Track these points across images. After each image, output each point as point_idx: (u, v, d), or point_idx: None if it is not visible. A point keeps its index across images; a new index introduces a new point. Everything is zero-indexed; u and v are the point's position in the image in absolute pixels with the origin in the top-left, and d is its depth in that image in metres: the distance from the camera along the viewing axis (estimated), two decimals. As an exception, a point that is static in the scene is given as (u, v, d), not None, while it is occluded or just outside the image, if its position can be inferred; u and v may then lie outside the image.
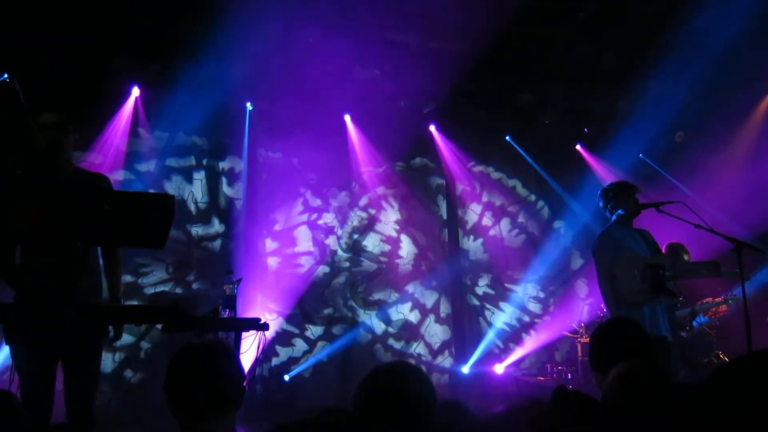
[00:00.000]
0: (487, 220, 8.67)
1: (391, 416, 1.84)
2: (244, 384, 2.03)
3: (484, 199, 8.71)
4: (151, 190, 6.59)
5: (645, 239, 4.71)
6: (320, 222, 7.75)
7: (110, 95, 6.46)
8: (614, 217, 4.76)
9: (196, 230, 7.09)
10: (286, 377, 7.06)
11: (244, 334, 3.32)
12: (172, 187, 6.99)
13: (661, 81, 7.81)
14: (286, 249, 7.50)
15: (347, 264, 7.80)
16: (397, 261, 8.04)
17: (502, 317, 8.44)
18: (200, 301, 3.00)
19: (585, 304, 8.72)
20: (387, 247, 8.02)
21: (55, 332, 2.58)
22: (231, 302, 3.40)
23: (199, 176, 7.25)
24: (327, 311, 7.57)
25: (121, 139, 6.76)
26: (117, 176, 6.63)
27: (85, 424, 3.08)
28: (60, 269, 2.68)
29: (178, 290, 6.69)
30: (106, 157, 6.57)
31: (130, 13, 5.80)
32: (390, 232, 8.07)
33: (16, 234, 2.68)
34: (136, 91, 6.65)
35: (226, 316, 3.32)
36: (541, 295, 8.70)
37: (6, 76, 2.56)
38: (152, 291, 6.62)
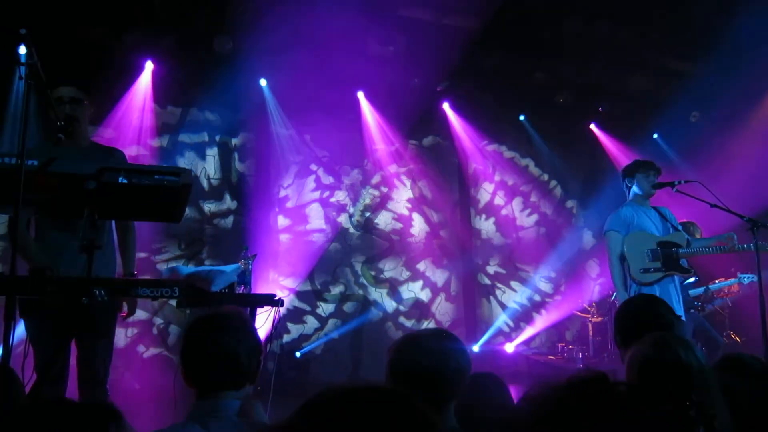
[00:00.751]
0: (499, 200, 8.61)
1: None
2: (261, 357, 1.99)
3: (497, 178, 8.64)
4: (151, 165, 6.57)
5: (662, 216, 4.67)
6: (332, 199, 7.72)
7: (124, 70, 6.41)
8: (630, 195, 4.73)
9: (209, 206, 7.08)
10: (298, 354, 7.08)
11: (259, 310, 3.31)
12: (185, 162, 6.96)
13: (678, 60, 7.70)
14: (298, 226, 7.49)
15: (359, 242, 7.78)
16: (409, 239, 8.01)
17: (513, 296, 8.42)
18: (215, 277, 2.98)
19: (596, 284, 8.68)
20: (399, 225, 7.99)
21: (70, 306, 2.56)
22: (246, 278, 3.38)
23: (212, 152, 7.22)
24: (338, 289, 7.57)
25: (134, 114, 6.72)
26: (130, 151, 6.59)
27: (98, 398, 3.09)
28: (75, 242, 2.66)
29: (191, 266, 6.69)
30: (119, 132, 6.55)
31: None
32: (402, 211, 8.03)
33: (33, 206, 2.66)
34: (149, 66, 6.57)
35: (240, 292, 3.30)
36: (553, 274, 8.66)
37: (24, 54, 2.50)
38: (165, 267, 6.62)
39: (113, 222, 3.43)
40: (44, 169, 2.52)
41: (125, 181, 2.57)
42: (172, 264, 6.65)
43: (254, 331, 2.04)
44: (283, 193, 7.47)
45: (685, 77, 7.87)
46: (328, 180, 7.72)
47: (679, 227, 4.82)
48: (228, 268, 3.09)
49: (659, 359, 1.81)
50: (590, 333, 7.51)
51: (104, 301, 2.60)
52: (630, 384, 0.94)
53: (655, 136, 8.73)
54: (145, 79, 6.63)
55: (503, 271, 8.42)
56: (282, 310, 3.44)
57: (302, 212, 7.54)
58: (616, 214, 4.66)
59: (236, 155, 7.31)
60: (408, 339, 2.05)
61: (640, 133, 8.58)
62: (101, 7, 5.81)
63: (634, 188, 4.71)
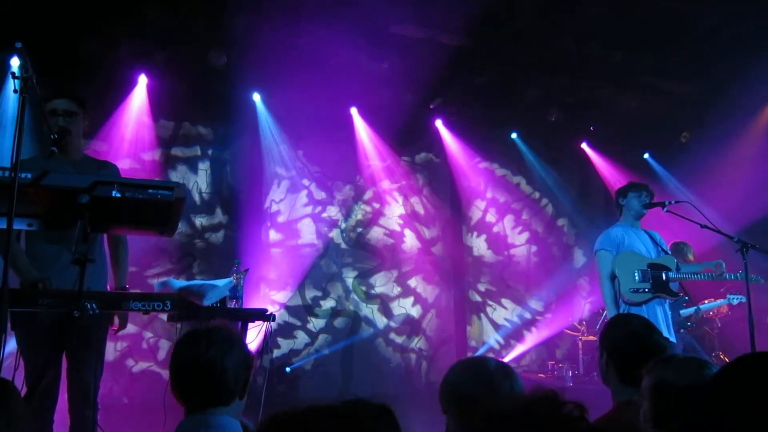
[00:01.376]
0: (491, 217, 8.65)
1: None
2: (250, 371, 1.98)
3: (489, 195, 8.69)
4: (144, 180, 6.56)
5: (653, 240, 4.71)
6: (324, 215, 7.73)
7: (117, 83, 6.42)
8: (622, 215, 4.77)
9: (200, 220, 7.07)
10: (288, 369, 7.05)
11: (250, 325, 3.31)
12: (177, 176, 6.95)
13: (668, 80, 7.80)
14: (290, 241, 7.48)
15: (350, 257, 7.78)
16: (401, 255, 8.02)
17: (503, 313, 8.43)
18: (207, 291, 2.98)
19: (587, 302, 8.71)
20: (390, 241, 8.00)
21: (61, 319, 2.56)
22: (237, 293, 3.38)
23: (204, 166, 7.22)
24: (329, 304, 7.56)
25: (127, 127, 6.73)
26: (122, 165, 6.58)
27: (89, 410, 3.07)
28: (67, 255, 2.66)
29: (183, 280, 6.67)
30: (111, 145, 6.54)
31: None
32: (394, 227, 8.05)
33: (25, 218, 2.66)
34: (143, 79, 6.59)
35: (232, 306, 3.30)
36: (543, 292, 8.68)
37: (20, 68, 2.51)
38: (156, 281, 6.59)
39: (105, 235, 3.42)
40: (37, 183, 2.52)
41: (118, 195, 2.57)
42: (164, 278, 6.61)
43: (243, 345, 2.02)
44: (275, 207, 7.48)
45: (676, 97, 7.99)
46: (320, 195, 7.74)
47: (669, 251, 4.87)
48: (220, 282, 3.10)
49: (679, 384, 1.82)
50: (580, 351, 7.52)
51: (96, 314, 2.60)
52: (578, 404, 0.94)
53: (646, 155, 8.82)
54: (138, 93, 6.64)
55: (494, 289, 8.44)
56: (273, 324, 3.44)
57: (294, 227, 7.54)
58: (606, 234, 4.70)
59: (228, 169, 7.32)
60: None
61: (631, 153, 8.68)
62: (95, 20, 5.84)
63: (626, 208, 4.75)
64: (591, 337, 7.52)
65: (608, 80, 7.55)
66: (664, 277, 4.51)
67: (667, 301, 4.57)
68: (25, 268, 3.06)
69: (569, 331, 8.13)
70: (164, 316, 5.81)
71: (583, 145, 8.74)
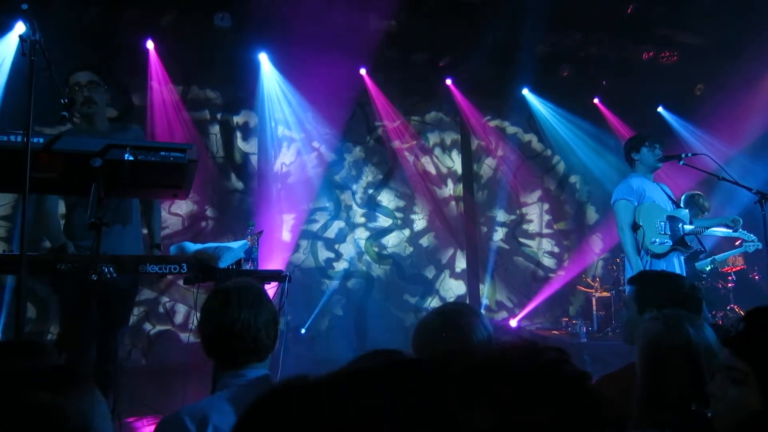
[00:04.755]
0: (502, 175, 8.59)
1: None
2: (278, 327, 2.02)
3: (500, 153, 8.62)
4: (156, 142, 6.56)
5: (665, 193, 4.66)
6: (336, 177, 7.71)
7: (124, 49, 6.36)
8: (635, 168, 4.70)
9: (212, 184, 7.07)
10: (303, 330, 7.12)
11: (265, 287, 3.33)
12: (186, 140, 6.94)
13: (683, 32, 7.62)
14: (302, 204, 7.48)
15: (363, 220, 7.78)
16: (412, 216, 8.01)
17: (516, 272, 8.44)
18: (223, 253, 2.99)
19: (600, 259, 8.70)
20: (402, 202, 7.99)
21: (90, 281, 2.58)
22: (253, 254, 3.39)
23: (214, 131, 7.20)
24: (342, 266, 7.59)
25: (136, 93, 6.70)
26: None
27: (110, 364, 3.16)
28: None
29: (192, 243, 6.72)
30: (120, 110, 6.52)
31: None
32: (405, 188, 8.02)
33: (39, 184, 2.66)
34: (150, 45, 6.52)
35: (248, 268, 3.31)
36: (556, 249, 8.68)
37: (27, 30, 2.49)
38: (169, 244, 6.64)
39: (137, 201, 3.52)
40: (49, 147, 2.52)
41: (131, 158, 2.57)
42: (177, 241, 6.66)
43: (270, 301, 2.04)
44: (285, 170, 7.46)
45: (690, 50, 7.81)
46: (330, 157, 7.70)
47: (681, 204, 4.83)
48: (235, 244, 3.10)
49: (669, 342, 1.83)
50: (594, 307, 7.54)
51: (114, 277, 2.62)
52: (560, 349, 0.92)
53: (660, 109, 8.68)
54: (145, 58, 6.58)
55: (507, 247, 8.44)
56: (288, 286, 3.45)
57: (305, 190, 7.53)
58: (626, 184, 4.62)
59: (239, 133, 7.29)
60: (431, 316, 2.03)
61: (644, 107, 8.54)
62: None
63: (640, 162, 4.67)
64: (605, 294, 7.52)
65: (620, 33, 7.38)
66: (681, 231, 4.47)
67: (684, 254, 4.54)
68: (54, 234, 3.16)
69: (582, 288, 8.14)
70: (179, 280, 5.90)
71: (596, 101, 8.60)
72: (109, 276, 2.62)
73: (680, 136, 8.33)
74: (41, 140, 2.47)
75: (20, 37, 2.46)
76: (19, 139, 2.42)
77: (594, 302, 7.57)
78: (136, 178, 2.66)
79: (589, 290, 7.77)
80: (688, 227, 4.51)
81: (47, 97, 2.74)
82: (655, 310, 2.33)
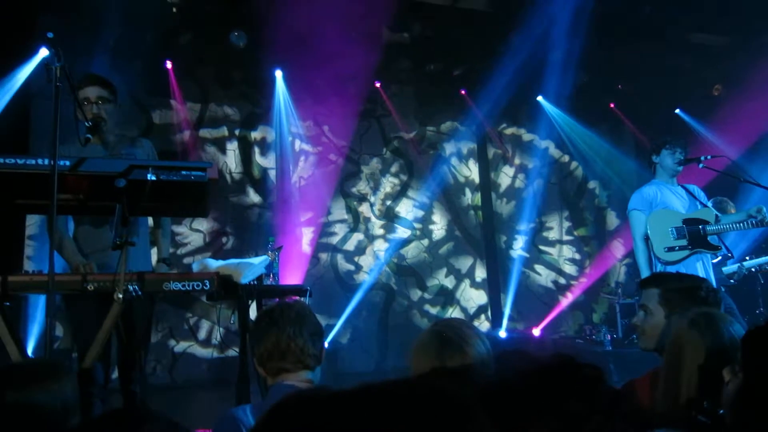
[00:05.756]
0: (519, 183, 8.60)
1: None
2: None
3: (517, 161, 8.63)
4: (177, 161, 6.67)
5: (690, 194, 4.62)
6: (353, 189, 7.77)
7: (144, 68, 6.50)
8: (656, 172, 4.68)
9: (232, 200, 7.17)
10: (325, 344, 7.15)
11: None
12: (206, 158, 7.05)
13: (699, 33, 7.60)
14: (320, 217, 7.55)
15: (381, 231, 7.83)
16: (431, 226, 8.04)
17: (537, 280, 8.42)
18: (244, 269, 3.05)
19: (622, 265, 8.65)
20: (420, 213, 8.02)
21: (107, 301, 2.65)
22: (273, 269, 3.44)
23: (232, 147, 7.31)
24: (362, 278, 7.63)
25: (155, 111, 6.84)
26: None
27: (135, 384, 3.20)
28: (109, 238, 2.74)
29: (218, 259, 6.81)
30: (140, 129, 6.66)
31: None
32: (423, 198, 8.06)
33: (65, 205, 2.74)
34: (168, 64, 6.66)
35: (269, 283, 3.37)
36: (577, 256, 8.64)
37: (50, 56, 2.57)
38: (191, 261, 6.75)
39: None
40: (75, 170, 2.60)
41: (153, 178, 2.64)
42: (199, 258, 6.75)
43: (314, 317, 2.19)
44: (303, 183, 7.54)
45: (707, 51, 7.78)
46: (348, 170, 7.77)
47: (709, 204, 4.75)
48: (256, 260, 3.16)
49: (702, 342, 1.84)
50: (618, 314, 7.48)
51: (138, 296, 2.68)
52: (595, 366, 0.94)
53: (678, 111, 8.63)
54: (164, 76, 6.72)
55: (527, 255, 8.42)
56: (309, 300, 3.50)
57: (324, 203, 7.60)
58: (638, 193, 4.62)
59: (256, 149, 7.39)
60: (428, 332, 2.06)
61: (661, 109, 8.51)
62: (119, 7, 5.89)
63: (660, 165, 4.65)
64: (629, 300, 7.46)
65: (636, 36, 7.37)
66: (702, 231, 4.42)
67: (708, 256, 4.49)
68: (71, 254, 3.19)
69: (606, 295, 8.09)
70: (202, 296, 5.97)
71: (612, 105, 8.59)
72: (134, 294, 2.68)
73: (699, 137, 8.27)
74: (67, 163, 2.55)
75: (45, 64, 2.55)
76: (47, 162, 2.50)
77: (618, 309, 7.51)
78: (158, 197, 2.73)
79: (613, 297, 7.71)
80: (711, 227, 4.45)
81: (71, 118, 2.84)
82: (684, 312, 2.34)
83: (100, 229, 3.29)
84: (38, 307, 5.77)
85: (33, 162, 2.55)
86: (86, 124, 3.07)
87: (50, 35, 2.51)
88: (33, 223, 6.26)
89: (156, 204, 2.85)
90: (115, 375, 3.29)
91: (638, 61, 7.87)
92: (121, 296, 2.62)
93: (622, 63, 7.85)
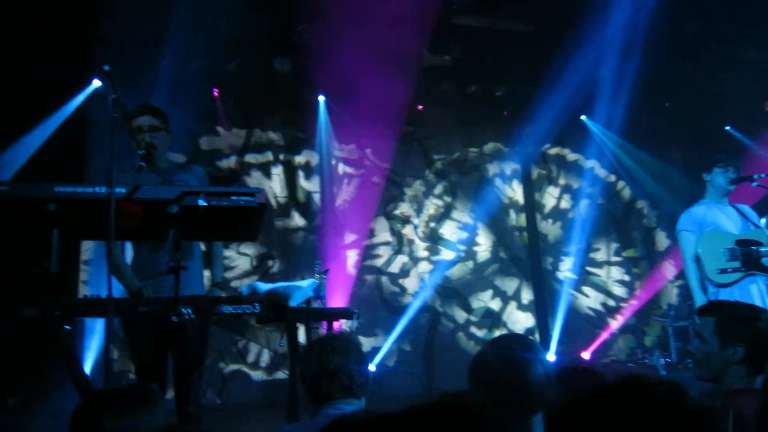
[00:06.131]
0: (565, 203, 8.51)
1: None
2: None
3: (561, 181, 8.55)
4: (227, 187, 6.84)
5: (742, 214, 4.51)
6: (396, 212, 7.81)
7: (191, 96, 6.70)
8: (707, 191, 4.59)
9: (278, 224, 7.28)
10: (371, 367, 7.16)
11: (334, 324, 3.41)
12: (251, 183, 7.20)
13: (747, 48, 7.45)
14: (365, 240, 7.60)
15: (426, 253, 7.83)
16: (475, 248, 8.01)
17: (585, 302, 8.27)
18: (293, 292, 3.10)
19: (674, 286, 8.43)
20: (464, 235, 8.00)
21: (164, 323, 2.73)
22: (321, 292, 3.49)
23: (277, 171, 7.44)
24: (407, 301, 7.62)
25: (202, 137, 7.06)
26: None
27: (191, 406, 3.26)
28: (164, 263, 2.83)
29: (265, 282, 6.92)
30: (188, 155, 6.85)
31: (203, 12, 6.00)
32: (466, 219, 8.04)
33: (122, 231, 2.84)
34: (215, 91, 6.86)
35: (317, 306, 3.41)
36: (626, 278, 8.47)
37: (107, 89, 2.69)
38: (239, 284, 6.88)
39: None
40: (130, 197, 2.70)
41: (204, 204, 2.72)
42: (247, 281, 6.87)
43: (360, 347, 2.34)
44: (347, 206, 7.62)
45: (756, 66, 7.61)
46: (391, 192, 7.82)
47: (761, 225, 4.62)
48: (304, 283, 3.20)
49: None
50: (671, 338, 7.28)
51: (192, 319, 2.75)
52: (675, 383, 0.91)
53: (728, 128, 8.44)
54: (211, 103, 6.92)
55: (574, 277, 8.29)
56: (355, 323, 3.53)
57: (368, 226, 7.65)
58: (687, 213, 4.52)
59: (300, 173, 7.51)
60: (487, 350, 2.05)
61: (711, 127, 8.33)
62: (170, 35, 6.12)
63: (711, 184, 4.56)
64: (682, 323, 7.26)
65: (683, 53, 7.27)
66: (755, 253, 4.30)
67: (764, 278, 4.35)
68: (128, 279, 3.30)
69: (657, 318, 7.89)
70: (251, 319, 6.05)
71: (659, 122, 8.44)
72: (188, 317, 2.76)
73: (751, 155, 8.06)
74: (123, 190, 2.65)
75: (102, 95, 2.68)
76: (104, 190, 2.61)
77: (671, 332, 7.31)
78: (209, 222, 2.81)
79: (665, 320, 7.52)
80: (764, 248, 4.33)
81: (124, 147, 2.96)
82: (740, 345, 2.29)
83: (155, 254, 3.40)
84: (93, 332, 5.94)
85: (91, 190, 2.66)
86: (139, 152, 3.19)
87: (106, 68, 2.63)
88: (88, 248, 6.46)
89: (207, 229, 2.94)
90: (170, 396, 3.37)
91: (685, 79, 7.75)
92: (176, 319, 2.70)
93: (668, 80, 7.73)
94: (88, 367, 5.78)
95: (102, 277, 5.92)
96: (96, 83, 6.27)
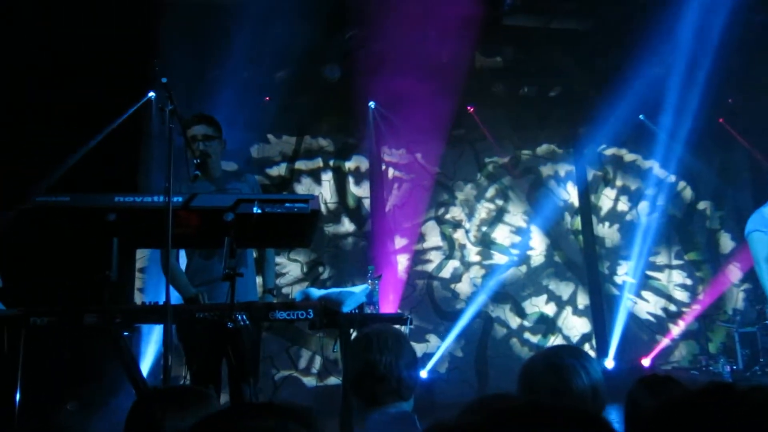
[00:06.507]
0: (622, 205, 8.31)
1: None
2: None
3: (618, 183, 8.36)
4: (284, 194, 6.94)
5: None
6: (447, 216, 7.78)
7: (242, 104, 6.83)
8: (775, 192, 4.43)
9: (328, 230, 7.35)
10: (424, 375, 7.14)
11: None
12: (302, 189, 7.30)
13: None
14: (415, 245, 7.60)
15: (477, 258, 7.77)
16: (529, 252, 7.90)
17: (645, 307, 8.06)
18: (346, 298, 3.12)
19: (740, 291, 8.13)
20: (517, 239, 7.91)
21: (217, 330, 2.79)
22: (374, 298, 3.49)
23: (327, 177, 7.52)
24: (459, 306, 7.58)
25: (253, 145, 7.19)
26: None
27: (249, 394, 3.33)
28: (219, 270, 2.89)
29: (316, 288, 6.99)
30: (240, 163, 6.97)
31: (254, 22, 6.11)
32: (519, 223, 7.95)
33: (178, 239, 2.92)
34: (266, 99, 6.99)
35: (369, 312, 3.42)
36: (688, 282, 8.21)
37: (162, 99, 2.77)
38: (290, 290, 6.97)
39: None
40: (187, 205, 2.77)
41: (259, 211, 2.77)
42: (297, 287, 6.96)
43: (409, 344, 2.17)
44: (397, 211, 7.63)
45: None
46: (442, 197, 7.80)
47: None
48: (357, 289, 3.22)
49: None
50: (737, 344, 7.02)
51: (247, 325, 2.80)
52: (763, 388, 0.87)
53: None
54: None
55: (633, 280, 8.08)
56: (407, 329, 3.52)
57: (418, 231, 7.65)
58: (758, 213, 4.38)
59: (350, 178, 7.57)
60: (536, 356, 2.04)
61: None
62: (218, 47, 6.26)
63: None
64: (749, 328, 6.99)
65: (747, 47, 7.02)
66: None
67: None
68: (184, 286, 3.39)
69: (722, 323, 7.62)
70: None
71: (721, 120, 8.17)
72: (242, 324, 2.81)
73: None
74: (180, 199, 2.72)
75: (159, 107, 2.76)
76: (162, 199, 2.68)
77: (737, 338, 7.05)
78: (263, 229, 2.86)
79: (730, 325, 7.25)
80: None
81: (178, 156, 3.03)
82: None
83: (209, 261, 3.48)
84: (148, 339, 6.11)
85: (150, 199, 2.74)
86: (195, 161, 3.27)
87: (164, 80, 2.71)
88: (143, 256, 6.66)
89: (261, 236, 2.99)
90: (224, 401, 3.43)
91: (749, 73, 7.48)
92: (231, 325, 2.75)
93: (731, 76, 7.47)
94: (144, 373, 5.95)
95: (157, 284, 6.11)
96: (151, 95, 6.47)
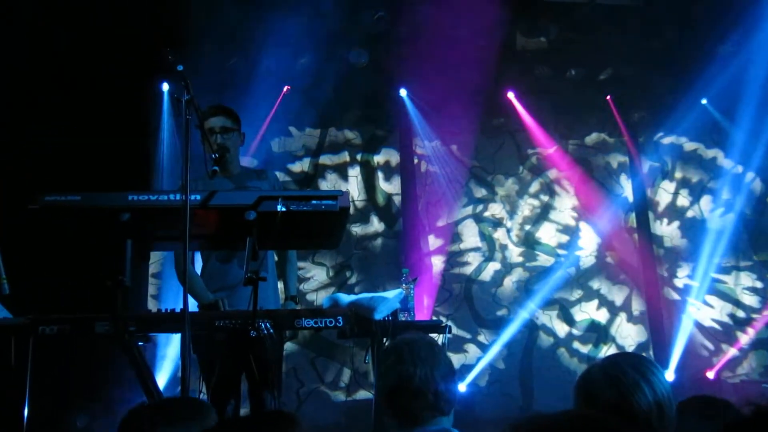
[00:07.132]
0: (683, 200, 8.18)
1: None
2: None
3: (678, 175, 8.22)
4: (309, 190, 6.97)
5: None
6: (487, 214, 7.74)
7: (261, 94, 6.88)
8: None
9: (355, 230, 7.36)
10: (463, 388, 7.11)
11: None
12: (327, 186, 7.32)
13: None
14: (451, 246, 7.57)
15: (520, 259, 7.71)
16: (578, 253, 7.82)
17: (709, 313, 7.91)
18: (378, 304, 3.11)
19: (818, 294, 7.95)
20: (565, 238, 7.83)
21: (241, 338, 2.80)
22: (408, 304, 3.49)
23: (354, 172, 7.53)
24: (500, 313, 7.53)
25: (273, 138, 7.23)
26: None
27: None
28: (237, 273, 2.91)
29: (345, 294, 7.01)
30: (260, 158, 7.04)
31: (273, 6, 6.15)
32: (567, 221, 7.87)
33: (195, 240, 2.94)
34: (285, 88, 7.02)
35: (404, 319, 3.41)
36: (758, 285, 8.04)
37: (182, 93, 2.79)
38: (315, 297, 7.00)
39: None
40: (205, 204, 2.78)
41: (283, 209, 2.77)
42: (322, 294, 6.99)
43: (444, 352, 2.13)
44: (431, 209, 7.61)
45: None
46: (480, 192, 7.76)
47: None
48: (390, 294, 3.21)
49: None
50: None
51: (270, 333, 2.81)
52: None
53: None
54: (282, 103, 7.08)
55: (695, 284, 7.94)
56: (446, 338, 3.50)
57: (455, 230, 7.62)
58: None
59: (380, 174, 7.57)
60: (595, 365, 2.00)
61: None
62: (234, 35, 6.32)
63: None
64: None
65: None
66: None
67: None
68: (201, 291, 3.41)
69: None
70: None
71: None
72: (266, 332, 2.82)
73: None
74: (198, 197, 2.74)
75: (175, 97, 2.78)
76: (178, 197, 2.70)
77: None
78: (288, 228, 2.86)
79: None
80: None
81: (194, 152, 3.05)
82: None
83: (227, 265, 3.51)
84: (164, 350, 6.20)
85: (165, 198, 2.77)
86: (212, 156, 3.29)
87: (180, 68, 2.73)
88: (156, 261, 6.74)
89: (286, 236, 2.99)
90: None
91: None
92: (254, 334, 2.76)
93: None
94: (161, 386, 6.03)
95: (171, 290, 6.18)
96: (165, 87, 6.55)
